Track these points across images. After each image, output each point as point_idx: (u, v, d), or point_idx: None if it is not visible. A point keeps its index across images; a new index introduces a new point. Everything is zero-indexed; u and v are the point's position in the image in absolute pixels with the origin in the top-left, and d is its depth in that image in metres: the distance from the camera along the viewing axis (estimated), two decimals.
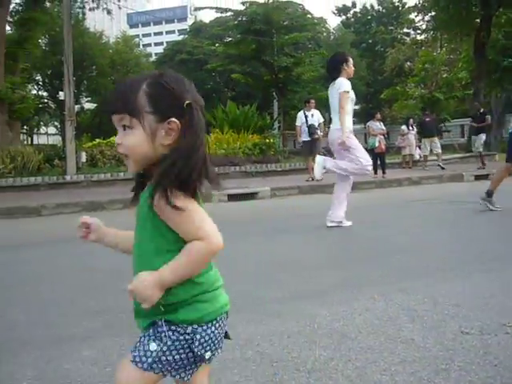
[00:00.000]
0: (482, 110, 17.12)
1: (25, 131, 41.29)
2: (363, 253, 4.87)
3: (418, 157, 18.59)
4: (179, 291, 1.31)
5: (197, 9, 27.61)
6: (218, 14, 45.00)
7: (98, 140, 19.44)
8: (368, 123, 15.50)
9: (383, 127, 15.28)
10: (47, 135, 51.09)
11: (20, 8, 17.85)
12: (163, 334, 1.32)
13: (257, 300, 3.35)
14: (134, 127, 1.30)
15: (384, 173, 13.85)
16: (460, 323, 2.75)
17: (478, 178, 13.20)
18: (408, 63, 38.22)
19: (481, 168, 15.06)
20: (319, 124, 13.45)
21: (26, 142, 35.85)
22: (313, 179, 12.47)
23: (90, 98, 46.03)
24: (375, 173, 13.47)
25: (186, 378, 1.37)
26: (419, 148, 18.63)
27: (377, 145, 14.34)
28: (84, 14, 29.91)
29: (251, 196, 11.12)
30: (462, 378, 2.12)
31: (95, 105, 46.86)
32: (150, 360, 1.31)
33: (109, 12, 25.79)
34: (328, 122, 16.30)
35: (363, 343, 2.53)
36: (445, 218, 6.95)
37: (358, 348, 2.48)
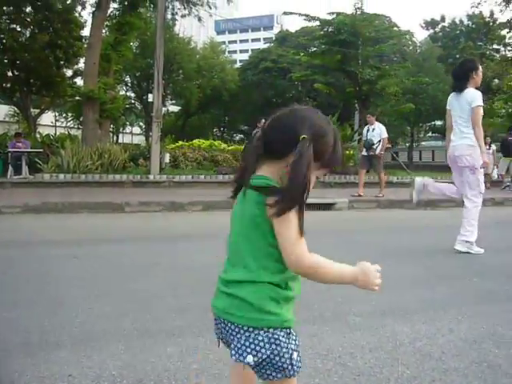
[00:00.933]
0: None
1: (111, 130, 42.96)
2: (442, 272, 4.76)
3: (496, 176, 17.87)
4: None
5: (285, 13, 27.64)
6: (304, 24, 45.06)
7: (180, 142, 19.96)
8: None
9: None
10: (132, 134, 52.83)
11: (117, 13, 18.63)
12: None
13: (340, 312, 3.36)
14: None
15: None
16: None
17: None
18: (496, 80, 36.93)
19: None
20: (380, 140, 12.99)
21: (112, 141, 37.28)
22: (360, 195, 12.33)
23: (174, 101, 47.37)
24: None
25: None
26: (497, 167, 17.93)
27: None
28: (175, 20, 30.75)
29: (328, 207, 11.08)
30: None
31: (179, 108, 48.23)
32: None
33: (199, 19, 26.42)
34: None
35: (447, 365, 2.49)
36: None
37: (441, 369, 2.44)
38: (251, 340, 1.41)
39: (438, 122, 49.28)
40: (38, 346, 2.69)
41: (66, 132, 24.59)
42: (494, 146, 17.70)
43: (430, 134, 55.25)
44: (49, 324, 3.08)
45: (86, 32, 22.27)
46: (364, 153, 13.16)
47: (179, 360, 2.52)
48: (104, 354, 2.59)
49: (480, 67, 5.92)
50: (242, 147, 17.84)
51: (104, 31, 18.57)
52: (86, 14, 22.61)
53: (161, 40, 14.81)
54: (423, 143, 56.86)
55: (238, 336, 1.43)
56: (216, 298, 1.51)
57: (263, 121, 14.94)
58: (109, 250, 5.70)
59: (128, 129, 53.47)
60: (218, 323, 1.51)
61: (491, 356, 2.61)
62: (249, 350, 1.41)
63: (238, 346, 1.43)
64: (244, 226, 1.47)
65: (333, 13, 27.05)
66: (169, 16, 26.09)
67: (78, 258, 5.12)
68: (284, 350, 1.42)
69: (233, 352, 1.44)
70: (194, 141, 20.26)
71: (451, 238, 5.89)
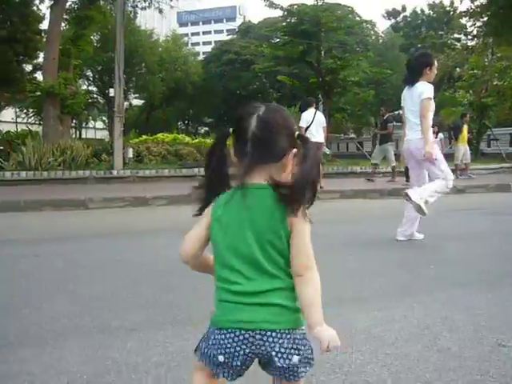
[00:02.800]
0: (386, 116, 15.26)
1: (73, 125, 42.33)
2: (401, 262, 4.89)
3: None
4: None
5: None
6: (267, 15, 45.00)
7: (144, 136, 19.82)
8: None
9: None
10: (95, 129, 52.18)
11: (75, 6, 18.35)
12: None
13: None
14: None
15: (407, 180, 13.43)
16: (496, 335, 2.77)
17: None
18: (457, 69, 37.58)
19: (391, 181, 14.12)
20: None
21: (74, 136, 36.74)
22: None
23: (137, 95, 46.89)
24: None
25: None
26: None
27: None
28: (136, 12, 30.44)
29: None
30: None
31: (143, 101, 47.79)
32: None
33: (160, 11, 26.23)
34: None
35: (399, 350, 2.59)
36: (486, 230, 6.86)
37: (394, 354, 2.53)
38: (293, 341, 1.45)
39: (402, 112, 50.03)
40: None
41: (27, 128, 24.17)
42: (441, 135, 17.40)
43: (394, 123, 56.06)
44: (8, 323, 3.08)
45: (45, 26, 21.90)
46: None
47: (139, 354, 2.56)
48: (64, 351, 2.61)
49: (435, 62, 5.89)
50: (207, 143, 17.80)
51: (63, 25, 18.28)
52: (44, 8, 22.16)
53: (121, 34, 14.67)
54: None
55: (281, 341, 1.45)
56: (234, 312, 1.46)
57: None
58: (71, 247, 5.67)
59: (91, 124, 52.79)
60: (248, 337, 1.45)
61: (442, 340, 2.72)
62: (293, 351, 1.45)
63: (282, 350, 1.45)
64: (259, 235, 1.46)
65: (294, 5, 27.09)
66: (129, 8, 25.75)
67: (39, 256, 5.09)
68: (310, 342, 1.50)
69: (276, 359, 1.44)
70: (158, 135, 20.13)
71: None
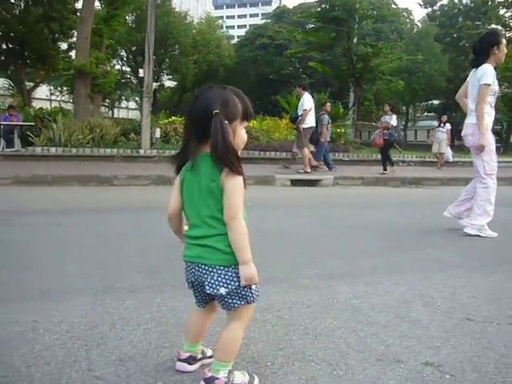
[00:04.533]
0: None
1: (107, 104, 42.98)
2: (403, 244, 5.07)
3: (451, 158, 17.60)
4: None
5: None
6: (302, 0, 44.77)
7: (173, 117, 20.13)
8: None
9: (390, 121, 13.48)
10: (127, 109, 52.87)
11: None
12: None
13: (291, 275, 3.66)
14: None
15: (384, 169, 13.27)
16: (469, 311, 2.96)
17: None
18: None
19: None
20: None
21: (107, 115, 37.32)
22: (306, 172, 12.15)
23: (170, 76, 47.30)
24: (384, 169, 13.24)
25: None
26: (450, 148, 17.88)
27: (373, 137, 13.98)
28: None
29: (314, 183, 11.37)
30: (450, 354, 2.37)
31: (175, 83, 48.17)
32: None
33: None
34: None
35: (372, 319, 2.80)
36: (497, 220, 6.93)
37: (366, 322, 2.75)
38: (222, 276, 1.87)
39: (435, 102, 49.35)
40: (8, 299, 2.99)
41: (59, 106, 24.72)
42: (448, 126, 17.04)
43: (426, 113, 55.27)
44: (21, 281, 3.38)
45: (80, 5, 22.29)
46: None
47: (134, 311, 2.82)
48: (68, 305, 2.89)
49: (503, 41, 5.50)
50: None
51: (97, 5, 18.62)
52: None
53: (152, 15, 14.91)
54: (420, 123, 56.86)
55: (212, 274, 1.88)
56: (187, 249, 1.96)
57: (328, 104, 14.82)
58: (91, 218, 6.00)
59: (124, 103, 53.42)
60: (191, 268, 1.95)
61: (415, 313, 2.92)
62: (221, 283, 1.87)
63: (212, 281, 1.88)
64: (202, 194, 1.88)
65: None
66: None
67: (61, 225, 5.41)
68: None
69: (207, 287, 1.89)
70: None
71: (422, 214, 6.14)
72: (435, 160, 17.62)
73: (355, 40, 27.62)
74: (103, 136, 14.79)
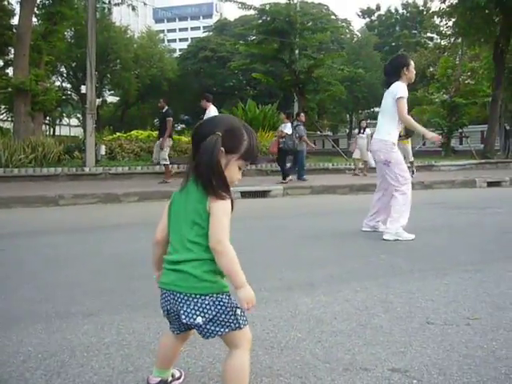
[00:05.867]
0: (165, 109, 12.85)
1: (47, 122, 41.96)
2: (356, 251, 5.12)
3: (373, 164, 17.57)
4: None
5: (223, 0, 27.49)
6: (243, 13, 45.07)
7: (118, 133, 19.85)
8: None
9: (285, 129, 13.60)
10: (69, 127, 51.82)
11: (47, 2, 18.26)
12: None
13: (252, 288, 3.61)
14: None
15: (283, 178, 13.36)
16: (428, 315, 3.00)
17: (490, 184, 13.38)
18: (430, 68, 38.14)
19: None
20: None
21: (48, 133, 36.46)
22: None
23: (113, 92, 46.72)
24: (283, 178, 13.35)
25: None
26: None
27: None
28: (109, 8, 30.32)
29: (263, 194, 11.38)
30: (415, 358, 2.39)
31: (118, 98, 47.59)
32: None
33: (133, 8, 26.19)
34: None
35: (335, 328, 2.80)
36: (445, 223, 7.12)
37: (329, 331, 2.74)
38: (199, 305, 1.77)
39: (377, 109, 50.48)
40: None
41: None
42: (368, 131, 16.78)
43: (368, 120, 56.53)
44: None
45: (16, 21, 21.72)
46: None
47: (93, 335, 2.72)
48: (23, 333, 2.76)
49: (412, 63, 5.89)
50: (182, 140, 17.95)
51: (34, 21, 18.19)
52: (15, 2, 21.90)
53: (92, 31, 14.68)
54: (367, 130, 57.97)
55: (188, 303, 1.78)
56: (163, 275, 1.86)
57: (302, 115, 15.03)
58: (38, 241, 5.79)
59: (65, 121, 52.35)
60: (166, 295, 1.84)
61: (376, 319, 2.93)
62: (198, 312, 1.77)
63: (188, 310, 1.78)
64: (188, 216, 1.81)
65: (266, 4, 27.24)
66: (102, 5, 25.66)
67: (5, 250, 5.21)
68: (228, 308, 1.81)
69: (183, 317, 1.79)
70: (132, 132, 20.19)
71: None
72: (353, 167, 17.42)
73: (297, 52, 27.97)
74: (46, 155, 14.43)
